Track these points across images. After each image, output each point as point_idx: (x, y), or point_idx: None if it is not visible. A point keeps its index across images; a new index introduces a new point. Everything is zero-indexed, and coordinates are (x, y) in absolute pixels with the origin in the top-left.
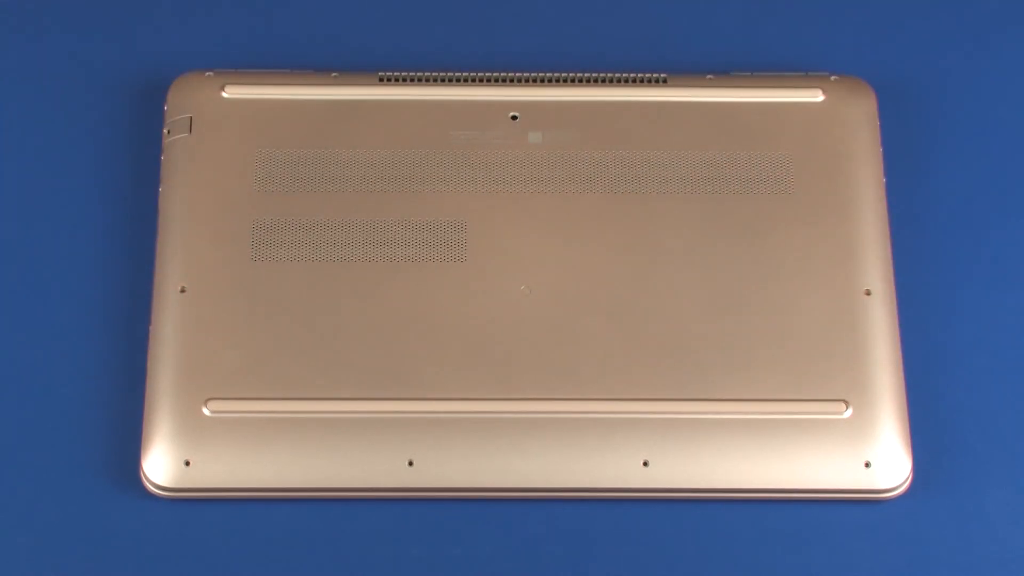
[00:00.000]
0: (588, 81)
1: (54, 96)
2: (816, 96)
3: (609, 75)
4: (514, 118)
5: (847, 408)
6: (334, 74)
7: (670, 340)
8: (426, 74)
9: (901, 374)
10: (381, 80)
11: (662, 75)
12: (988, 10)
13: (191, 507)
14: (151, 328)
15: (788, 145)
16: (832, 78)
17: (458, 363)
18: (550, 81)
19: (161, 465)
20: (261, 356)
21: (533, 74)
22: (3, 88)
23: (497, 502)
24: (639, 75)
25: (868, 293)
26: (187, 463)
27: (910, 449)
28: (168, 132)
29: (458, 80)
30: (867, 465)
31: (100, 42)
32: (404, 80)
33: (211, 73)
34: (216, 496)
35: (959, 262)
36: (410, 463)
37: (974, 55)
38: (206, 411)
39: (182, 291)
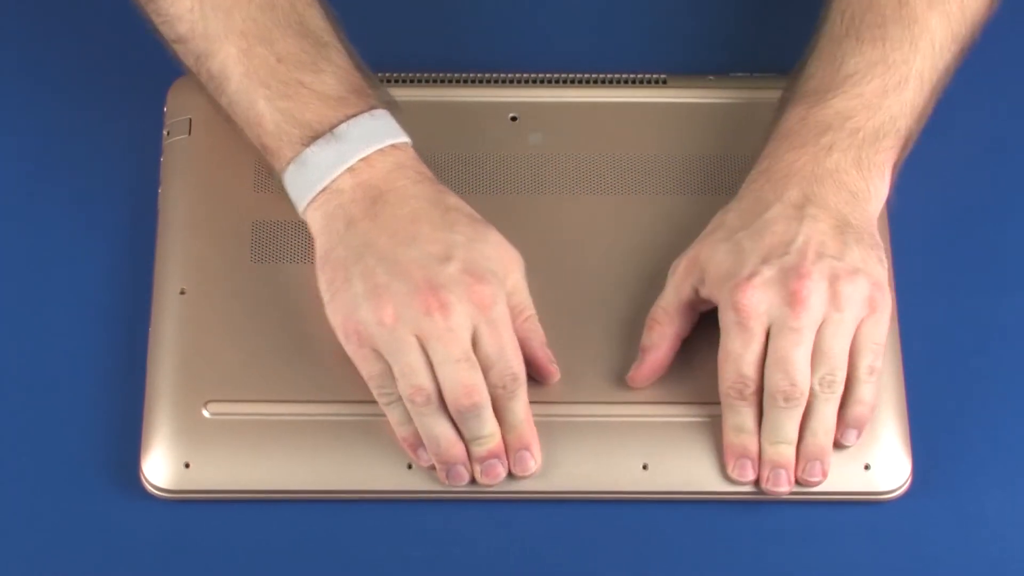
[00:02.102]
0: (588, 81)
1: (54, 97)
2: None
3: (609, 75)
4: (514, 119)
5: None
6: None
7: None
8: (426, 75)
9: (901, 375)
10: (381, 81)
11: (662, 75)
12: None
13: (191, 509)
14: (151, 330)
15: None
16: None
17: None
18: (550, 81)
19: (161, 467)
20: (261, 358)
21: (533, 74)
22: (3, 89)
23: (496, 504)
24: (639, 75)
25: None
26: (187, 465)
27: (910, 451)
28: (168, 133)
29: (458, 81)
30: (867, 467)
31: (100, 42)
32: (404, 81)
33: None
34: (215, 498)
35: (959, 262)
36: (409, 466)
37: (974, 55)
38: (206, 413)
39: (182, 293)
